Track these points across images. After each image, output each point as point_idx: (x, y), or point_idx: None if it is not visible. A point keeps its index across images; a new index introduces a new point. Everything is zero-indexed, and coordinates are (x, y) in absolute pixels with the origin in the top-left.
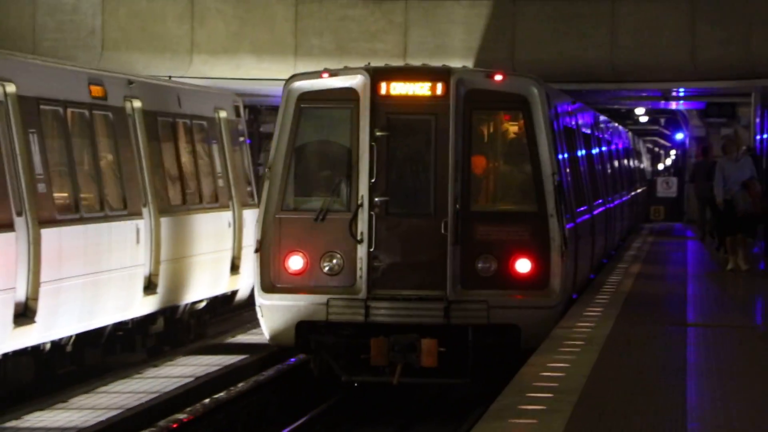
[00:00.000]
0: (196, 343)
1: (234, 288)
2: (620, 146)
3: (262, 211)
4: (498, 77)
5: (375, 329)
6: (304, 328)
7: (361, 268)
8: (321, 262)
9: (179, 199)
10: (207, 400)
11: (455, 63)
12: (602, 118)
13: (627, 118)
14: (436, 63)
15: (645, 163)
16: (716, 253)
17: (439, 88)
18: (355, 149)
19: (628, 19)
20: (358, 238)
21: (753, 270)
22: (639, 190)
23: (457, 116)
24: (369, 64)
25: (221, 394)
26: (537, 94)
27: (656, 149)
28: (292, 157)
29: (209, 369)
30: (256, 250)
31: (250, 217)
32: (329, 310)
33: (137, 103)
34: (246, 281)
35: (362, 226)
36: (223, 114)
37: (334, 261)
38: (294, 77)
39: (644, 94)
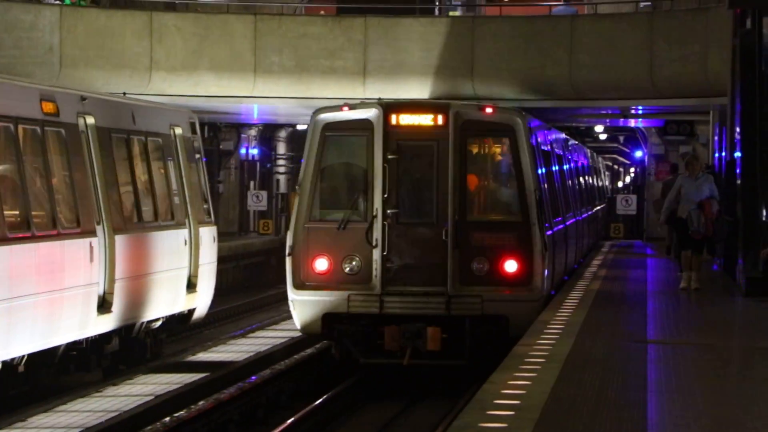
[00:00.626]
0: (155, 361)
1: (191, 306)
2: (585, 164)
3: (293, 221)
4: (488, 110)
5: (388, 319)
6: (329, 319)
7: (376, 269)
8: (343, 264)
9: (134, 216)
10: (167, 419)
11: (414, 80)
12: (571, 141)
13: (587, 135)
14: (394, 80)
15: (605, 181)
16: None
17: (440, 119)
18: (371, 170)
19: (587, 37)
20: (374, 243)
21: (708, 288)
22: (599, 207)
23: (455, 142)
24: (380, 99)
25: (181, 412)
26: (521, 124)
27: (616, 167)
28: (318, 177)
29: (169, 387)
30: (289, 254)
31: (207, 235)
32: (350, 304)
33: (90, 120)
34: (203, 299)
35: (377, 233)
36: (178, 131)
37: (354, 263)
38: (319, 110)
39: (603, 112)
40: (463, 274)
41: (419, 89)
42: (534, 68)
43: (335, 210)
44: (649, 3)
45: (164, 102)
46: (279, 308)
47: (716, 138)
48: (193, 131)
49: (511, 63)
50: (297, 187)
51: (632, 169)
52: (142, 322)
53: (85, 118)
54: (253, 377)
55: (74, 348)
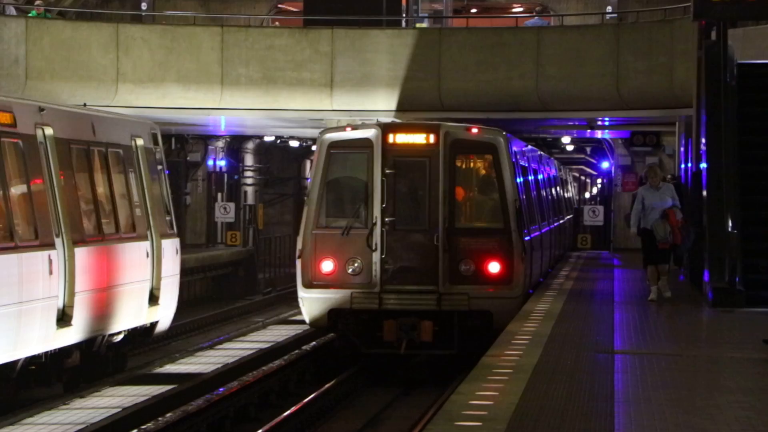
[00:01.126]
0: (119, 374)
1: (153, 319)
2: (554, 176)
3: (302, 228)
4: (474, 130)
5: (386, 314)
6: (334, 314)
7: (375, 270)
8: (346, 265)
9: (95, 228)
10: (134, 431)
11: (381, 92)
12: (543, 155)
13: (553, 146)
14: (362, 91)
15: (572, 192)
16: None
17: (432, 138)
18: (371, 182)
19: (554, 49)
20: (374, 247)
21: (674, 298)
22: (568, 218)
23: (445, 158)
24: (377, 121)
25: (149, 425)
26: (502, 142)
27: (583, 178)
28: (324, 189)
29: (137, 399)
30: (298, 257)
31: (170, 247)
32: (353, 301)
33: (49, 131)
34: (166, 312)
35: (376, 239)
36: (140, 142)
37: (356, 264)
38: (326, 130)
39: (570, 123)
40: (452, 274)
41: (386, 101)
42: (501, 80)
43: (339, 218)
44: (615, 15)
45: (131, 114)
46: (247, 320)
47: (682, 149)
48: (155, 142)
49: (478, 75)
50: (306, 198)
51: (599, 180)
52: (104, 336)
53: (43, 129)
54: (221, 389)
55: (34, 362)
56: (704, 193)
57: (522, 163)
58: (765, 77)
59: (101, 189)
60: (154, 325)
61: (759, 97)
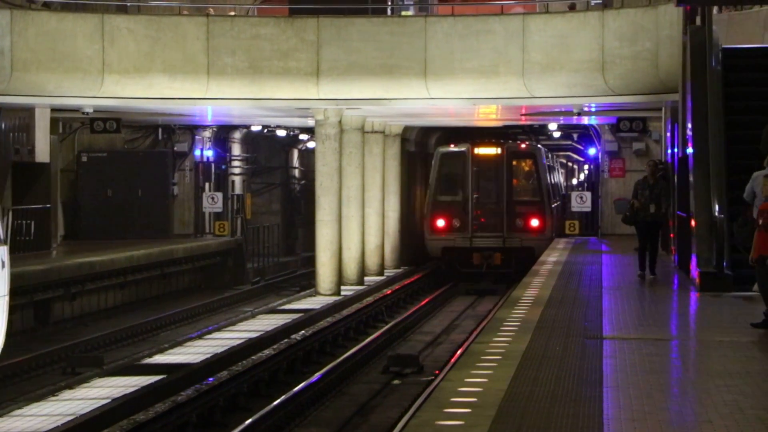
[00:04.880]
0: (112, 363)
1: None
2: (550, 165)
3: (427, 200)
4: (522, 146)
5: (475, 249)
6: (445, 250)
7: (468, 224)
8: (452, 221)
9: None
10: (124, 422)
11: (367, 80)
12: (554, 156)
13: (540, 133)
14: (348, 80)
15: (560, 178)
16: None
17: (499, 150)
18: (466, 176)
19: (539, 35)
20: (467, 212)
21: (662, 283)
22: (557, 203)
23: (506, 161)
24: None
25: (139, 415)
26: (540, 151)
27: (570, 164)
28: (440, 179)
29: (126, 390)
30: (425, 217)
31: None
32: (456, 242)
33: None
34: None
35: (469, 206)
36: None
37: (457, 221)
38: (440, 147)
39: (557, 110)
40: (511, 226)
41: (372, 89)
42: (487, 66)
43: (448, 195)
44: (600, 1)
45: (118, 105)
46: (236, 310)
47: (668, 134)
48: None
49: (464, 62)
50: (430, 184)
51: (586, 167)
52: None
53: None
54: (211, 379)
55: None
56: (690, 178)
57: (548, 163)
58: (750, 61)
59: None
60: None
61: (744, 78)
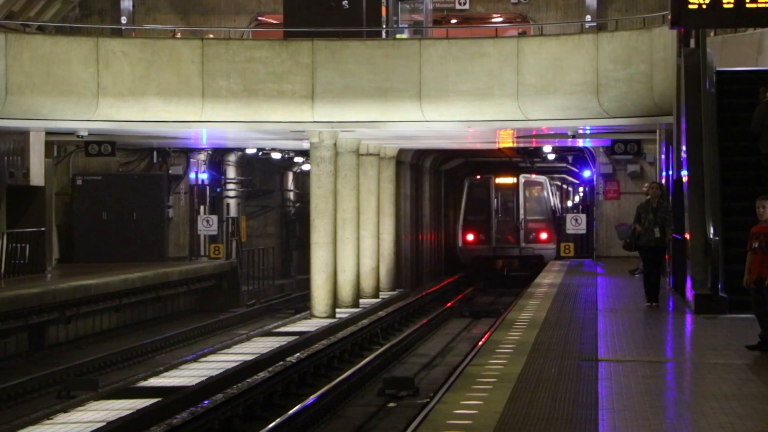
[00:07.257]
0: (107, 387)
1: None
2: (557, 192)
3: (459, 220)
4: (533, 176)
5: (498, 257)
6: (474, 259)
7: (492, 237)
8: (479, 236)
9: None
10: None
11: (362, 103)
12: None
13: (535, 156)
14: (343, 103)
15: (557, 201)
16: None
17: (515, 179)
18: (491, 200)
19: (534, 58)
20: (491, 228)
21: (658, 305)
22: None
23: (522, 189)
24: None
25: None
26: (546, 181)
27: (565, 186)
28: (468, 203)
29: (121, 413)
30: (459, 233)
31: None
32: (482, 251)
33: None
34: None
35: (493, 224)
36: None
37: (483, 235)
38: (466, 178)
39: (552, 132)
40: (526, 239)
41: (367, 112)
42: (482, 89)
43: (476, 215)
44: (594, 24)
45: (112, 128)
46: (231, 332)
47: (663, 156)
48: None
49: (459, 85)
50: (461, 208)
51: (581, 189)
52: None
53: None
54: (206, 401)
55: None
56: (685, 200)
57: (553, 189)
58: (744, 84)
59: None
60: None
61: (738, 103)
